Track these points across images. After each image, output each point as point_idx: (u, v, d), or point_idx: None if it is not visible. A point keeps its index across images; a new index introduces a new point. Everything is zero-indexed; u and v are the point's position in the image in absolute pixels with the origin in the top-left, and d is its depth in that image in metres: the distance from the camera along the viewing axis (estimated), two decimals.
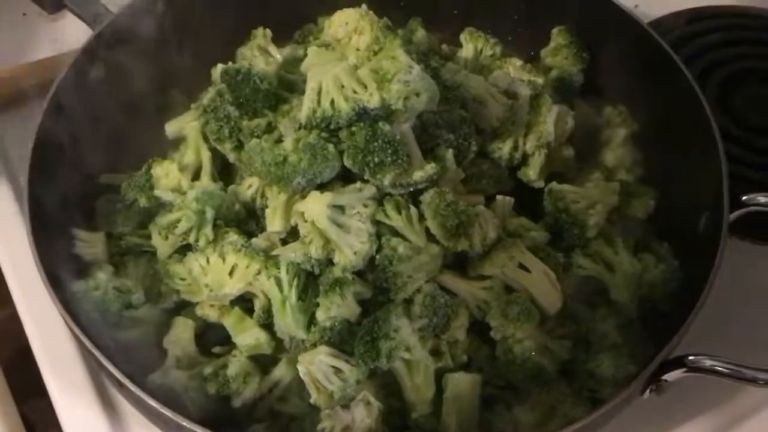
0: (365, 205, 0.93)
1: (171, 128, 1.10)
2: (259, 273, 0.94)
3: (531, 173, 1.07)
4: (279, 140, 0.96)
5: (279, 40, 1.21)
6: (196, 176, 1.06)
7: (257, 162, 0.93)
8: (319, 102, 0.90)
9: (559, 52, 1.23)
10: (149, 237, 1.04)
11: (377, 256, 0.93)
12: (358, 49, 0.93)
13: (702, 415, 1.02)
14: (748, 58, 1.38)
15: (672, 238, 1.07)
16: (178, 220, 0.99)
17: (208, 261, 0.96)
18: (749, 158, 1.25)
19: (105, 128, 1.12)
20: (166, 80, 1.17)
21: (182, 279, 0.98)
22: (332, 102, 0.90)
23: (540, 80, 1.12)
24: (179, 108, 1.14)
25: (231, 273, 0.95)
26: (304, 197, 0.94)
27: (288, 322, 0.92)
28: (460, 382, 0.92)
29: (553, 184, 1.04)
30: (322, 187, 0.94)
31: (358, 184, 0.94)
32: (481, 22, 1.28)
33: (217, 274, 0.95)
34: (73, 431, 1.01)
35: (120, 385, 0.85)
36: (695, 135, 1.07)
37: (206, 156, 1.06)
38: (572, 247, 1.02)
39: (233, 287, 0.95)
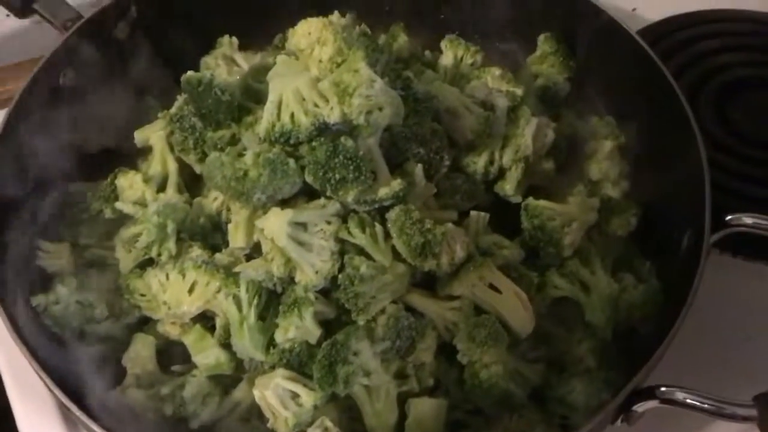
0: (328, 222, 0.90)
1: (139, 136, 1.07)
2: (219, 291, 0.92)
3: (507, 187, 1.03)
4: (242, 153, 0.93)
5: (262, 45, 1.19)
6: (162, 187, 1.04)
7: (217, 176, 0.90)
8: (278, 115, 0.87)
9: (546, 59, 1.19)
10: (114, 249, 1.01)
11: (339, 275, 0.89)
12: (320, 61, 0.90)
13: None
14: (746, 66, 1.33)
15: (655, 257, 1.02)
16: (140, 234, 0.97)
17: (167, 277, 0.94)
18: (744, 171, 1.21)
19: (74, 135, 1.09)
20: (138, 86, 1.14)
21: (142, 295, 0.96)
22: (292, 115, 0.86)
23: (519, 91, 1.08)
24: (153, 115, 1.11)
25: (190, 290, 0.92)
26: (265, 212, 0.91)
27: (245, 344, 0.89)
28: (424, 408, 0.89)
29: (530, 200, 1.00)
30: (284, 203, 0.91)
31: (322, 201, 0.90)
32: (466, 26, 1.25)
33: (176, 291, 0.92)
34: None
35: (66, 408, 0.82)
36: (680, 149, 1.02)
37: (172, 166, 1.03)
38: (548, 266, 0.99)
39: (192, 305, 0.92)
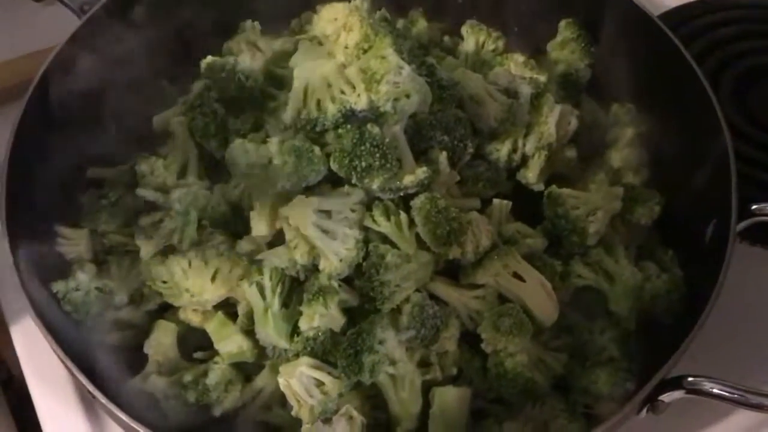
0: (353, 210, 0.89)
1: (158, 122, 1.06)
2: (242, 278, 0.91)
3: (530, 175, 1.02)
4: (265, 140, 0.92)
5: (276, 29, 1.17)
6: (182, 173, 1.02)
7: (241, 163, 0.90)
8: (304, 102, 0.86)
9: (566, 45, 1.17)
10: (134, 235, 1.00)
11: (364, 264, 0.89)
12: (346, 47, 0.89)
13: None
14: (766, 53, 1.32)
15: (678, 246, 1.02)
16: (161, 221, 0.96)
17: (190, 264, 0.93)
18: (765, 160, 1.20)
19: (92, 120, 1.08)
20: (156, 71, 1.13)
21: (164, 282, 0.95)
22: (318, 102, 0.86)
23: (542, 78, 1.07)
24: (170, 100, 1.10)
25: (213, 278, 0.92)
26: (289, 200, 0.90)
27: (269, 332, 0.88)
28: (448, 396, 0.89)
29: (553, 188, 1.00)
30: (308, 191, 0.90)
31: (346, 188, 0.90)
32: (486, 12, 1.24)
33: (198, 278, 0.92)
34: None
35: (91, 395, 0.82)
36: (705, 137, 1.01)
37: (193, 152, 1.02)
38: (571, 254, 0.98)
39: (215, 293, 0.91)
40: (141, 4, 1.11)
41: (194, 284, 0.92)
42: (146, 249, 0.98)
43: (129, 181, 1.03)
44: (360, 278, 0.89)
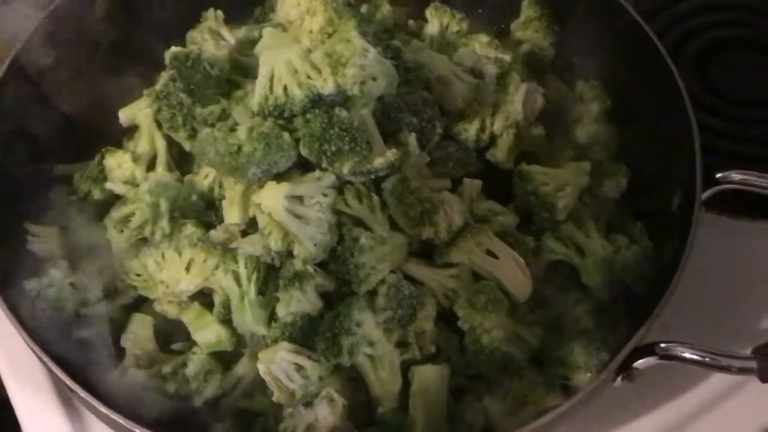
0: (324, 195, 0.89)
1: (124, 115, 1.06)
2: (216, 267, 0.91)
3: (499, 154, 1.03)
4: (233, 128, 0.92)
5: (240, 18, 1.17)
6: (151, 166, 1.02)
7: (210, 152, 0.89)
8: (271, 88, 0.86)
9: (530, 25, 1.18)
10: (105, 229, 1.00)
11: (338, 248, 0.89)
12: (311, 32, 0.89)
13: (674, 399, 1.00)
14: (726, 25, 1.34)
15: (645, 218, 1.03)
16: (132, 214, 0.96)
17: (163, 256, 0.93)
18: (729, 130, 1.22)
19: (56, 116, 1.07)
20: (120, 64, 1.12)
21: (138, 275, 0.95)
22: (285, 88, 0.86)
23: (507, 57, 1.08)
24: (136, 93, 1.09)
25: (187, 268, 0.92)
26: (261, 187, 0.90)
27: (247, 319, 0.88)
28: (427, 375, 0.90)
29: (522, 166, 1.01)
30: (279, 177, 0.90)
31: (317, 173, 0.90)
32: None
33: (172, 269, 0.92)
34: None
35: (70, 390, 0.82)
36: (668, 110, 1.03)
37: (161, 144, 1.02)
38: (542, 230, 0.99)
39: (190, 283, 0.91)
40: None
41: (169, 276, 0.92)
42: (118, 243, 0.98)
43: (97, 176, 1.02)
44: (335, 262, 0.90)
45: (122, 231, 0.97)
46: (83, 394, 0.81)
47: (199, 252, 0.91)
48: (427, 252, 0.96)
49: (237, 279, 0.89)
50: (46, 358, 0.83)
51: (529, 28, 1.18)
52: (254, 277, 0.90)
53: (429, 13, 1.17)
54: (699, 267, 0.92)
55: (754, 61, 1.30)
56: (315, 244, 0.88)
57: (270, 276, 0.91)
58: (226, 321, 0.92)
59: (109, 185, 0.99)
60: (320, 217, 0.88)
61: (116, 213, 0.98)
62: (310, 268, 0.89)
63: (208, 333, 0.93)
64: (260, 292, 0.90)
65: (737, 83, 1.27)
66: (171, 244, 0.93)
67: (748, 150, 1.19)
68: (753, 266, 1.11)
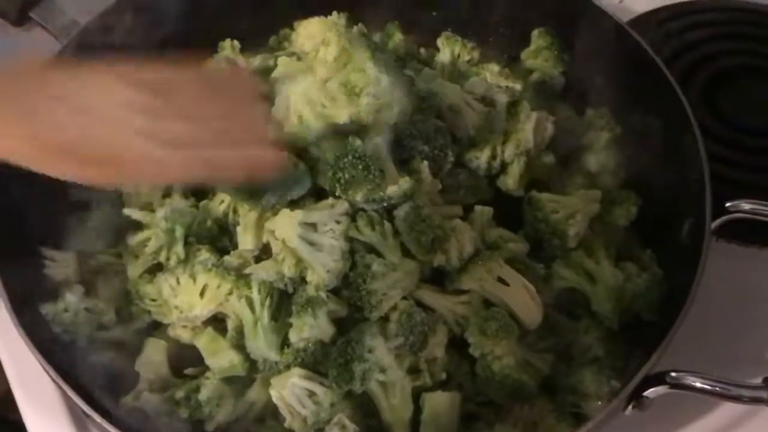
0: (338, 222, 0.91)
1: None
2: (230, 293, 0.92)
3: (510, 182, 1.04)
4: None
5: (254, 47, 1.19)
6: (167, 192, 1.04)
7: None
8: (286, 118, 0.88)
9: (540, 54, 1.20)
10: (121, 255, 1.02)
11: (351, 274, 0.90)
12: (325, 62, 0.91)
13: (684, 428, 1.00)
14: (735, 54, 1.35)
15: (656, 246, 1.04)
16: (148, 239, 0.97)
17: (178, 281, 0.94)
18: (737, 159, 1.23)
19: None
20: None
21: (153, 300, 0.96)
22: (300, 117, 0.87)
23: (518, 86, 1.09)
24: None
25: (202, 293, 0.93)
26: (275, 214, 0.92)
27: (260, 344, 0.89)
28: (439, 401, 0.90)
29: (533, 193, 1.02)
30: (293, 204, 0.91)
31: (330, 200, 0.91)
32: (460, 24, 1.26)
33: (187, 294, 0.93)
34: None
35: (85, 415, 0.83)
36: (677, 138, 1.04)
37: None
38: (553, 257, 1.00)
39: (204, 308, 0.92)
40: (121, 27, 1.12)
41: (183, 301, 0.93)
42: (133, 268, 0.99)
43: (114, 202, 1.04)
44: (347, 288, 0.91)
45: (138, 256, 0.99)
46: (98, 418, 0.81)
47: (213, 277, 0.92)
48: (438, 279, 0.97)
49: (250, 304, 0.91)
50: (61, 382, 0.83)
51: (539, 57, 1.20)
52: (267, 302, 0.91)
53: (440, 42, 1.19)
54: (709, 295, 0.93)
55: (763, 90, 1.31)
56: (328, 271, 0.89)
57: (283, 302, 0.93)
58: (239, 346, 0.93)
59: (126, 211, 1.00)
60: (333, 244, 0.90)
61: (132, 238, 0.99)
62: (323, 295, 0.90)
63: (221, 358, 0.94)
64: (273, 318, 0.91)
65: (746, 112, 1.27)
66: (186, 269, 0.94)
67: (758, 179, 1.19)
68: (763, 294, 1.11)
